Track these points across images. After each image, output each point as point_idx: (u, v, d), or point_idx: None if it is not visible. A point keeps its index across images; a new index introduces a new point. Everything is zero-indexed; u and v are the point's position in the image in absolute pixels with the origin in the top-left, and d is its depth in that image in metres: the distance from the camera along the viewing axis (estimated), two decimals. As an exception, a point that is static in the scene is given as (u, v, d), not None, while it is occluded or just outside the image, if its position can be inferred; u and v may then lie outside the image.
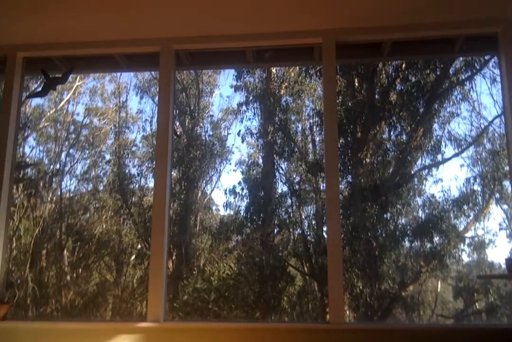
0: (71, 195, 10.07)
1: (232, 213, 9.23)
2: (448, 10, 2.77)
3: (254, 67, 8.59)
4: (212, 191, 10.29)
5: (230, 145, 10.01)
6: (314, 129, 9.26)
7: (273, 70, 9.56)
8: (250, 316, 8.31)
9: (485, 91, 12.66)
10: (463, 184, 8.68)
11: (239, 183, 9.18)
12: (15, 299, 8.48)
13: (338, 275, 2.55)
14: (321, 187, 8.76)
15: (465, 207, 8.50)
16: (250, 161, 9.55)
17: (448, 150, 8.77)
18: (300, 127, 9.42)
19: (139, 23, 3.00)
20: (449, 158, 8.83)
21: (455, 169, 10.69)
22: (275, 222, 8.95)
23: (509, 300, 8.37)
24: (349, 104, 8.88)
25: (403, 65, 8.76)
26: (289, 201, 9.02)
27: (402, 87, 8.85)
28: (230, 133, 10.11)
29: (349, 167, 8.66)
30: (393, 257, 8.28)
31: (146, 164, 10.00)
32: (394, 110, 8.80)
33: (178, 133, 9.68)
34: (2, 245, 2.84)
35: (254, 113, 9.57)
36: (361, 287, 8.08)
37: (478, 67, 8.85)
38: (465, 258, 8.87)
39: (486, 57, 8.59)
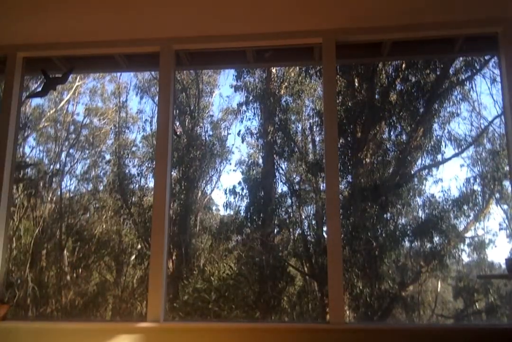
0: (71, 195, 10.08)
1: (232, 213, 9.23)
2: (448, 10, 2.77)
3: (254, 67, 8.59)
4: (212, 191, 10.31)
5: (230, 145, 10.03)
6: (314, 129, 9.26)
7: (273, 70, 9.56)
8: (250, 316, 8.31)
9: (485, 91, 12.68)
10: (463, 184, 8.69)
11: (239, 183, 9.20)
12: (15, 299, 8.48)
13: (338, 275, 2.55)
14: (321, 187, 8.76)
15: (465, 207, 8.50)
16: (250, 161, 9.55)
17: (448, 150, 8.79)
18: (300, 127, 9.43)
19: (139, 23, 3.00)
20: (449, 158, 8.84)
21: (455, 169, 10.70)
22: (275, 222, 8.95)
23: (509, 300, 8.37)
24: (349, 104, 8.88)
25: (403, 65, 8.76)
26: (289, 201, 9.02)
27: (402, 87, 8.85)
28: (230, 133, 10.13)
29: (349, 167, 8.66)
30: (393, 257, 8.28)
31: (146, 164, 10.01)
32: (394, 110, 8.80)
33: (178, 133, 9.68)
34: (2, 245, 2.84)
35: (254, 113, 9.58)
36: (361, 287, 8.08)
37: (478, 67, 8.85)
38: (465, 258, 8.88)
39: (486, 57, 8.59)
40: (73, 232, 9.55)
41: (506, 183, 8.47)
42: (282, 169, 9.37)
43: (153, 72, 9.80)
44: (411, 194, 8.61)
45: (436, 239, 8.28)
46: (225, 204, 9.16)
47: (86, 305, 8.97)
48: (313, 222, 8.84)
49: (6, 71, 3.04)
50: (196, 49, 3.08)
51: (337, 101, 6.24)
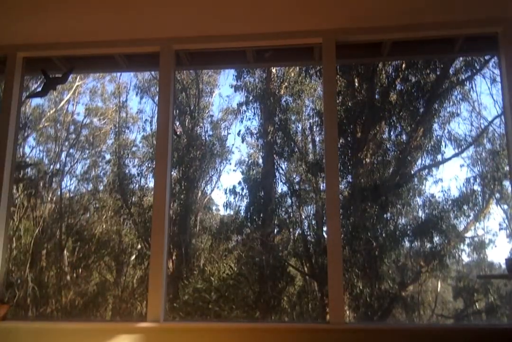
0: (71, 195, 10.08)
1: (232, 213, 9.23)
2: (448, 10, 2.77)
3: (254, 67, 8.60)
4: (212, 191, 10.31)
5: (230, 145, 10.03)
6: (314, 129, 9.27)
7: (273, 70, 9.56)
8: (250, 316, 8.31)
9: (485, 91, 12.68)
10: (463, 184, 8.69)
11: (239, 183, 9.20)
12: (15, 299, 8.48)
13: (338, 275, 2.55)
14: (321, 187, 8.76)
15: (465, 207, 8.50)
16: (250, 161, 9.55)
17: (448, 150, 8.79)
18: (300, 127, 9.43)
19: (139, 23, 3.00)
20: (449, 158, 8.84)
21: (455, 169, 10.70)
22: (275, 222, 8.95)
23: (509, 300, 8.37)
24: (349, 104, 8.88)
25: (403, 65, 8.76)
26: (289, 201, 9.02)
27: (402, 87, 8.85)
28: (230, 133, 10.13)
29: (349, 167, 8.66)
30: (393, 257, 8.29)
31: (146, 164, 10.01)
32: (394, 110, 8.80)
33: (178, 133, 9.68)
34: (2, 245, 2.84)
35: (254, 113, 9.58)
36: (361, 287, 8.08)
37: (478, 67, 8.85)
38: (465, 258, 8.88)
39: (486, 57, 8.59)
40: (73, 232, 9.56)
41: (506, 183, 8.47)
42: (282, 169, 9.38)
43: (153, 72, 9.80)
44: (411, 194, 8.61)
45: (436, 239, 8.29)
46: (225, 204, 9.18)
47: (86, 305, 8.97)
48: (313, 222, 8.84)
49: (6, 71, 3.04)
50: (196, 49, 3.08)
51: (337, 101, 6.24)
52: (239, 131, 9.53)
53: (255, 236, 8.84)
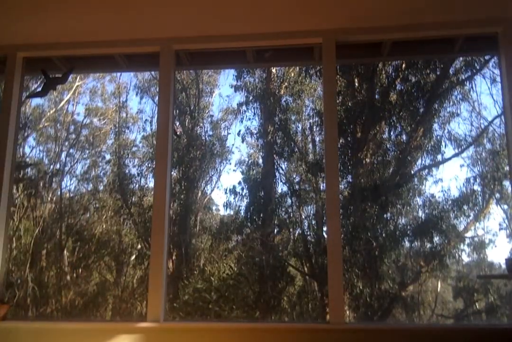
0: (71, 195, 10.08)
1: (232, 212, 9.23)
2: (448, 10, 2.77)
3: (254, 67, 8.59)
4: (212, 191, 10.31)
5: (230, 145, 10.03)
6: (314, 129, 9.27)
7: (273, 70, 9.56)
8: (250, 316, 8.31)
9: (485, 91, 12.68)
10: (463, 184, 8.69)
11: (239, 183, 9.20)
12: (15, 299, 8.48)
13: (338, 275, 2.55)
14: (321, 187, 8.76)
15: (465, 207, 8.50)
16: (250, 161, 9.55)
17: (448, 150, 8.79)
18: (300, 127, 9.43)
19: (139, 23, 3.00)
20: (449, 158, 8.84)
21: (455, 169, 10.70)
22: (275, 222, 8.95)
23: (509, 300, 8.37)
24: (349, 104, 8.88)
25: (403, 65, 8.76)
26: (289, 201, 9.02)
27: (402, 87, 8.85)
28: (230, 133, 10.12)
29: (349, 167, 8.66)
30: (393, 257, 8.29)
31: (146, 164, 10.01)
32: (394, 110, 8.80)
33: (178, 133, 9.68)
34: (2, 245, 2.84)
35: (254, 113, 9.58)
36: (361, 287, 8.08)
37: (478, 67, 8.85)
38: (465, 258, 8.88)
39: (486, 57, 8.59)
40: (73, 232, 9.56)
41: (506, 183, 8.47)
42: (282, 169, 9.38)
43: (153, 72, 9.80)
44: (411, 194, 8.61)
45: (436, 239, 8.29)
46: (225, 204, 9.18)
47: (86, 305, 8.97)
48: (313, 222, 8.84)
49: (6, 71, 3.04)
50: (196, 49, 3.08)
51: (337, 101, 6.24)
52: (239, 131, 9.55)
53: (255, 236, 8.84)
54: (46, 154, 10.39)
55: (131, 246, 9.54)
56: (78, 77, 10.47)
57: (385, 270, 8.27)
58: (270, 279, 8.53)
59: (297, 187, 9.12)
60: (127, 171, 10.06)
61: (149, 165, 9.89)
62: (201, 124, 10.13)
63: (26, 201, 9.46)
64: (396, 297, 8.21)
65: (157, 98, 8.32)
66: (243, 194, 9.09)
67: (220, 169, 10.03)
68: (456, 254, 8.42)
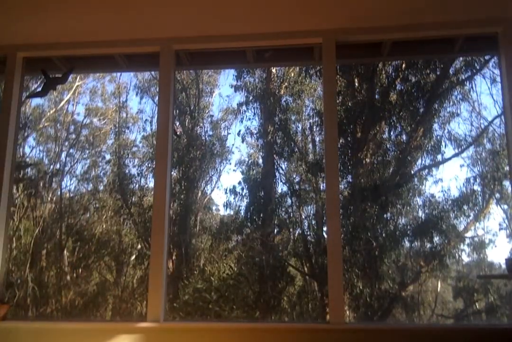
0: (71, 195, 10.08)
1: (232, 212, 9.24)
2: (448, 10, 2.77)
3: (254, 67, 8.59)
4: (212, 191, 10.31)
5: (230, 145, 10.03)
6: (314, 129, 9.27)
7: (273, 70, 9.56)
8: (250, 316, 8.31)
9: (485, 91, 12.67)
10: (463, 184, 8.69)
11: (239, 183, 9.20)
12: (15, 299, 8.48)
13: (338, 275, 2.55)
14: (321, 187, 8.76)
15: (465, 207, 8.50)
16: (250, 161, 9.55)
17: (448, 150, 8.79)
18: (300, 127, 9.43)
19: (139, 23, 3.00)
20: (449, 158, 8.84)
21: (455, 169, 10.69)
22: (275, 222, 8.95)
23: (509, 300, 8.37)
24: (349, 104, 8.88)
25: (403, 65, 8.76)
26: (289, 201, 9.02)
27: (402, 87, 8.85)
28: (230, 133, 10.13)
29: (349, 167, 8.66)
30: (393, 257, 8.28)
31: (146, 164, 10.01)
32: (394, 110, 8.80)
33: (178, 133, 9.68)
34: (2, 245, 2.84)
35: (254, 113, 9.58)
36: (361, 287, 8.08)
37: (478, 67, 8.85)
38: (465, 258, 8.88)
39: (486, 57, 8.59)
40: (73, 232, 9.56)
41: (506, 183, 8.47)
42: (282, 169, 9.38)
43: (153, 72, 9.80)
44: (411, 194, 8.61)
45: (436, 239, 8.29)
46: (225, 204, 9.18)
47: (86, 305, 8.97)
48: (313, 222, 8.84)
49: (6, 71, 3.04)
50: (196, 49, 3.08)
51: (337, 101, 6.24)
52: (239, 131, 9.55)
53: (255, 236, 8.84)
54: (46, 154, 10.40)
55: (131, 246, 9.54)
56: (78, 77, 10.48)
57: (385, 270, 8.27)
58: (270, 279, 8.53)
59: (297, 187, 9.12)
60: (127, 171, 10.06)
61: (149, 165, 9.89)
62: (201, 124, 10.14)
63: (26, 201, 9.46)
64: (396, 297, 8.21)
65: (157, 98, 8.32)
66: (243, 194, 9.10)
67: (220, 170, 10.04)
68: (456, 254, 8.42)
